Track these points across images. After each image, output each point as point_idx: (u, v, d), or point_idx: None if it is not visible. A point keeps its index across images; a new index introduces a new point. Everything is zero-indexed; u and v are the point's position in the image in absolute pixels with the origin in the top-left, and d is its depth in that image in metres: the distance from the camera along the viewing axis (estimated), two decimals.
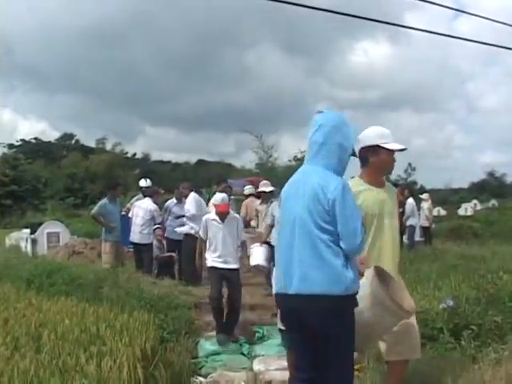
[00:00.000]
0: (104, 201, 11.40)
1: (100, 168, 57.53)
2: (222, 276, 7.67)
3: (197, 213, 10.73)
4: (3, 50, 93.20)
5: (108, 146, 65.97)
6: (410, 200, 16.64)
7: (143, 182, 12.43)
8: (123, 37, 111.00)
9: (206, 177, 44.14)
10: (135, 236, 11.38)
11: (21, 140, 69.39)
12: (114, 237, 11.23)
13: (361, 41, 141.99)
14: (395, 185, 11.37)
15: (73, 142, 73.02)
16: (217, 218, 7.79)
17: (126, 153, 70.52)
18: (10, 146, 64.88)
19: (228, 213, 7.86)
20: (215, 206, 7.99)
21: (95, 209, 11.49)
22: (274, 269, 4.15)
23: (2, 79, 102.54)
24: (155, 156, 77.20)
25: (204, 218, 8.07)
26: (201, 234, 8.00)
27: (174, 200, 12.10)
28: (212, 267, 7.74)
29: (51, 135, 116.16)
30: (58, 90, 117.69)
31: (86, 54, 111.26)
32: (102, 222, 11.25)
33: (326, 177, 3.71)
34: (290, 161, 31.49)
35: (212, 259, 7.74)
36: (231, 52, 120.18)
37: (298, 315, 3.65)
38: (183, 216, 11.13)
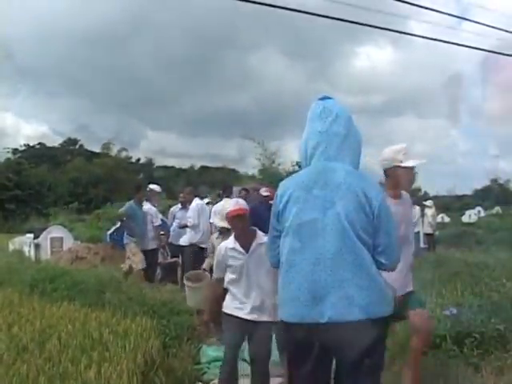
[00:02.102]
0: (131, 203, 11.42)
1: (104, 173, 57.72)
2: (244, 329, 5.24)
3: (196, 222, 10.86)
4: (4, 54, 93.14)
5: (113, 152, 66.27)
6: (416, 208, 16.59)
7: (153, 187, 12.46)
8: (125, 40, 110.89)
9: (211, 182, 44.21)
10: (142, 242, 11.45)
11: (25, 145, 69.68)
12: (136, 240, 11.17)
13: (363, 45, 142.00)
14: None
15: (77, 146, 73.19)
16: (237, 245, 5.20)
17: (130, 157, 70.80)
18: (15, 150, 65.15)
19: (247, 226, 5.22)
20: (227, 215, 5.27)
21: (123, 209, 11.58)
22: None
23: (4, 83, 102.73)
24: (157, 161, 77.24)
25: (220, 248, 5.37)
26: (215, 274, 5.52)
27: (178, 205, 12.29)
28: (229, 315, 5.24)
29: (53, 139, 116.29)
30: (59, 93, 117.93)
31: (88, 57, 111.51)
32: (127, 223, 11.39)
33: (364, 179, 3.17)
34: (293, 166, 31.53)
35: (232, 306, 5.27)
36: (233, 55, 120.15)
37: (327, 346, 3.02)
38: (186, 226, 11.20)
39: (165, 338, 6.60)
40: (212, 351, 7.14)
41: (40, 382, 4.49)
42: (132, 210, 11.26)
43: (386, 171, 4.69)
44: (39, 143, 71.80)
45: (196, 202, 11.27)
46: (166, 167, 76.32)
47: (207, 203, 13.22)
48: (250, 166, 35.25)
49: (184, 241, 11.15)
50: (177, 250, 11.78)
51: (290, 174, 29.18)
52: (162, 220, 12.03)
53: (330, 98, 3.46)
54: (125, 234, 11.37)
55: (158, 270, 11.90)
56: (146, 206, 11.56)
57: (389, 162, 4.64)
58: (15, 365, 4.80)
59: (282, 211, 3.24)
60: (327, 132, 3.27)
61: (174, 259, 11.90)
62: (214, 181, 47.28)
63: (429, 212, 18.49)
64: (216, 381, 6.10)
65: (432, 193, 67.24)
